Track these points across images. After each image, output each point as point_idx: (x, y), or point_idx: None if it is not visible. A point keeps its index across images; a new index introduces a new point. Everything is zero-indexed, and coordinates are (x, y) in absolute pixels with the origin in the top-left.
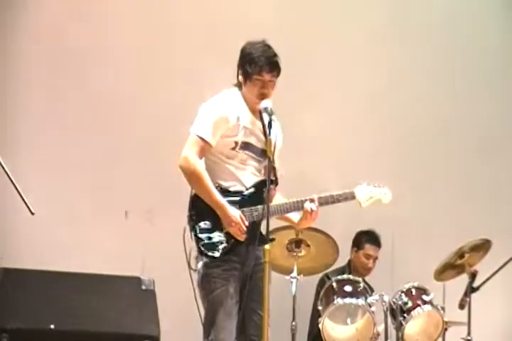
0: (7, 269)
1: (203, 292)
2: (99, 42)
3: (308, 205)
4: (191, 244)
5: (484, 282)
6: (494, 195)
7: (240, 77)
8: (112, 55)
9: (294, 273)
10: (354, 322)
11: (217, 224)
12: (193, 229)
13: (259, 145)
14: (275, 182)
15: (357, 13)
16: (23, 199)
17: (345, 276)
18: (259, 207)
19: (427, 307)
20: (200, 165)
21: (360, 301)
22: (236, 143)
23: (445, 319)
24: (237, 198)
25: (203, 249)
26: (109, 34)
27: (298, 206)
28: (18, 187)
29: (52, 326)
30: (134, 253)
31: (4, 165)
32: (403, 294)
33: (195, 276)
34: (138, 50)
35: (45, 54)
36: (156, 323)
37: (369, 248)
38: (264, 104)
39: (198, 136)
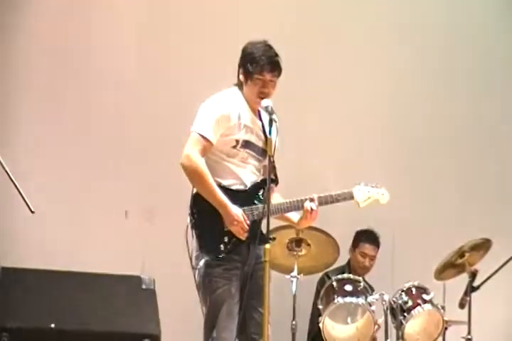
0: (7, 268)
1: (205, 291)
2: (99, 42)
3: (308, 204)
4: (193, 243)
5: (484, 281)
6: (494, 194)
7: (241, 76)
8: (112, 55)
9: (295, 272)
10: (354, 322)
11: (218, 223)
12: (194, 227)
13: (260, 144)
14: (275, 182)
15: (357, 13)
16: (23, 198)
17: (345, 275)
18: (260, 205)
19: (427, 306)
20: (202, 164)
21: (361, 300)
22: (237, 141)
23: (445, 318)
24: (237, 197)
25: (204, 248)
26: (109, 34)
27: (298, 205)
28: (18, 185)
29: (52, 325)
30: (134, 253)
31: (4, 164)
32: (403, 293)
33: (197, 275)
34: (138, 50)
35: (45, 54)
36: (157, 322)
37: (364, 246)
38: (265, 103)
39: (200, 135)
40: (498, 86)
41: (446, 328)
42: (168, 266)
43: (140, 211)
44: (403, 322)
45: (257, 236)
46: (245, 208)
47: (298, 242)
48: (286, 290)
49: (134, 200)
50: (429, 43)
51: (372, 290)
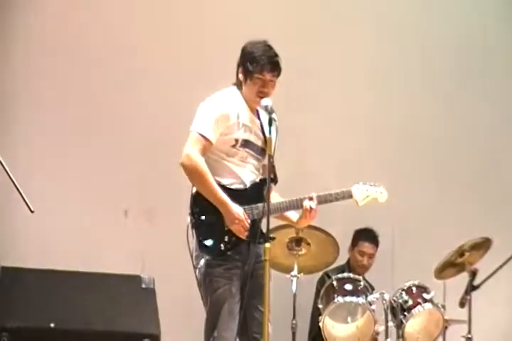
0: (7, 268)
1: (205, 291)
2: (99, 43)
3: (307, 203)
4: (193, 243)
5: (484, 280)
6: (495, 193)
7: (240, 76)
8: (112, 55)
9: (295, 272)
10: (354, 321)
11: (219, 222)
12: (194, 227)
13: (259, 143)
14: (275, 181)
15: (357, 13)
16: (23, 198)
17: (345, 275)
18: (260, 204)
19: (428, 305)
20: (202, 163)
21: (361, 299)
22: (236, 140)
23: (445, 317)
24: (237, 196)
25: (204, 247)
26: (109, 34)
27: (297, 204)
28: (17, 185)
29: (52, 325)
30: (134, 253)
31: (4, 164)
32: (404, 292)
33: (197, 275)
34: (138, 50)
35: (46, 54)
36: (157, 322)
37: (363, 245)
38: (265, 102)
39: (199, 134)
40: (499, 86)
41: (446, 327)
42: (168, 265)
43: (140, 211)
44: (403, 321)
45: (257, 235)
46: (245, 207)
47: (298, 241)
48: (287, 289)
49: (133, 200)
50: (429, 43)
51: (373, 289)
